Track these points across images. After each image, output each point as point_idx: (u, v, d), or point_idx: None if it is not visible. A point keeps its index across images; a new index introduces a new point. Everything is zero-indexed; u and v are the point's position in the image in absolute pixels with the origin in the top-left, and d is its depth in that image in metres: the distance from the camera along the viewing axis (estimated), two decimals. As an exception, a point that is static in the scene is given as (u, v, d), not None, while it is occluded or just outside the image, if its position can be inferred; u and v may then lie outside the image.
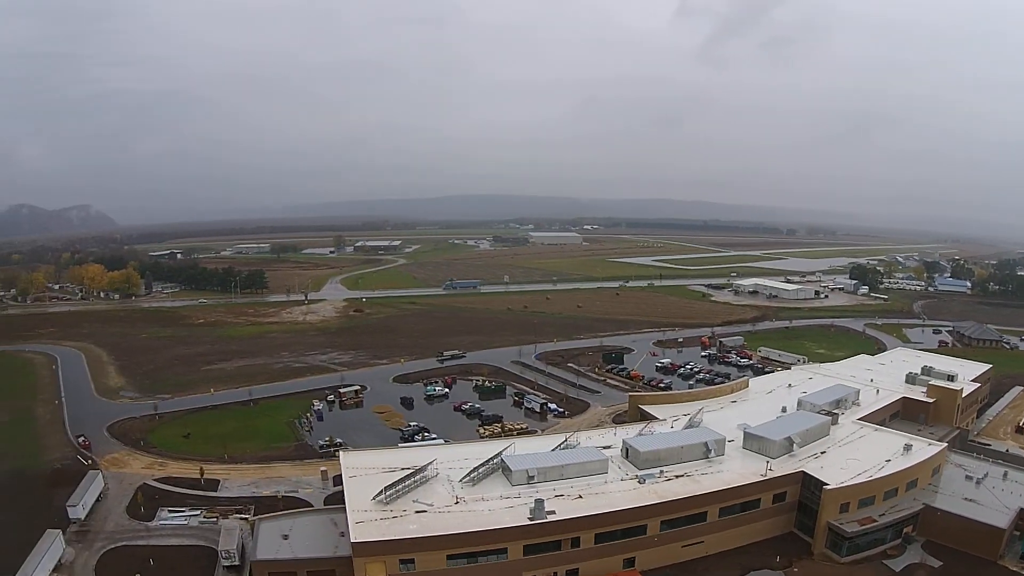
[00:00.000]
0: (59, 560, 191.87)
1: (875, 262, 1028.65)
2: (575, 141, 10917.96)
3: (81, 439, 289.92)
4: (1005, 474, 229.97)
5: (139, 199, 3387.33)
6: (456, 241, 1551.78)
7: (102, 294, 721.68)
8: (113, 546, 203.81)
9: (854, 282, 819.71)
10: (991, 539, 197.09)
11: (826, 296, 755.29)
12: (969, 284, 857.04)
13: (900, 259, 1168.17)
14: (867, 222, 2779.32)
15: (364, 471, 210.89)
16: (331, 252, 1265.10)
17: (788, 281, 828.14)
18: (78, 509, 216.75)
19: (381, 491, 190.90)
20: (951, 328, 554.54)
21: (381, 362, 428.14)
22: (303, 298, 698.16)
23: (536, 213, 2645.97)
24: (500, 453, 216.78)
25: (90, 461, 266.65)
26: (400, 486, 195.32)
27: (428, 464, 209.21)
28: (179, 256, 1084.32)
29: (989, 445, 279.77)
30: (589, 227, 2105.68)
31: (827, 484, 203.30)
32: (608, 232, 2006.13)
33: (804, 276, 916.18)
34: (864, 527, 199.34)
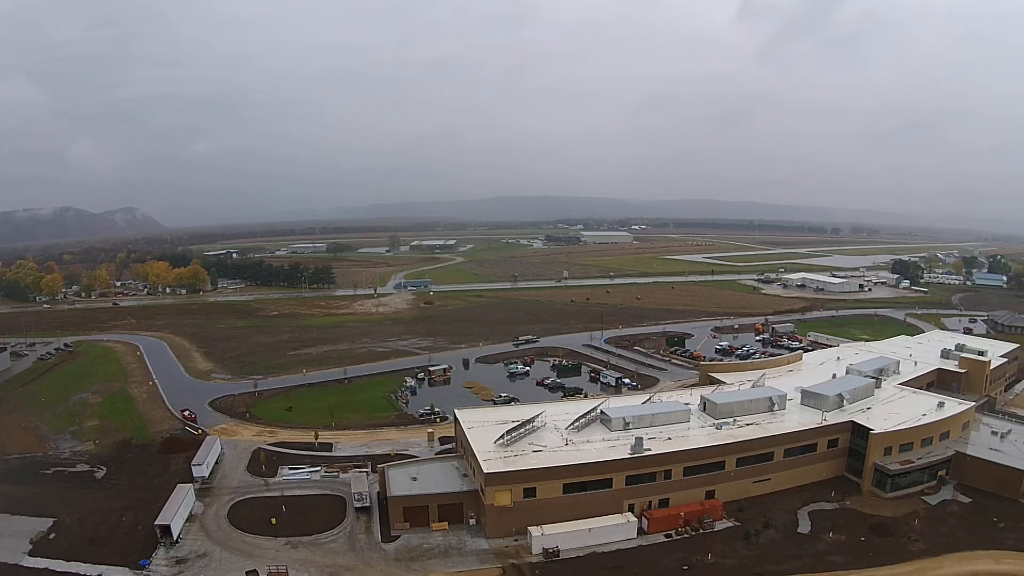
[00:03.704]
0: (190, 511, 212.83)
1: (917, 259, 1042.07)
2: (628, 141, 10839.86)
3: (186, 412, 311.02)
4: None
5: (184, 201, 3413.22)
6: (509, 240, 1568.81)
7: (168, 290, 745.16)
8: (241, 498, 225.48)
9: (896, 276, 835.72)
10: (1013, 480, 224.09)
11: (869, 289, 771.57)
12: (1005, 278, 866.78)
13: (941, 256, 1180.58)
14: (912, 221, 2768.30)
15: (480, 423, 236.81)
16: (387, 251, 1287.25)
17: (834, 276, 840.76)
18: (202, 468, 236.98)
19: (502, 436, 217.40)
20: (986, 317, 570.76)
21: (460, 347, 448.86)
22: (372, 292, 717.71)
23: (585, 214, 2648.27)
24: (598, 406, 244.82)
25: (199, 431, 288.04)
26: (517, 432, 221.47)
27: (537, 415, 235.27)
28: (235, 256, 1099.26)
29: (1016, 412, 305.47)
30: (637, 227, 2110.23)
31: (873, 430, 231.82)
32: (656, 232, 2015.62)
33: (848, 272, 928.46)
34: (904, 467, 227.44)
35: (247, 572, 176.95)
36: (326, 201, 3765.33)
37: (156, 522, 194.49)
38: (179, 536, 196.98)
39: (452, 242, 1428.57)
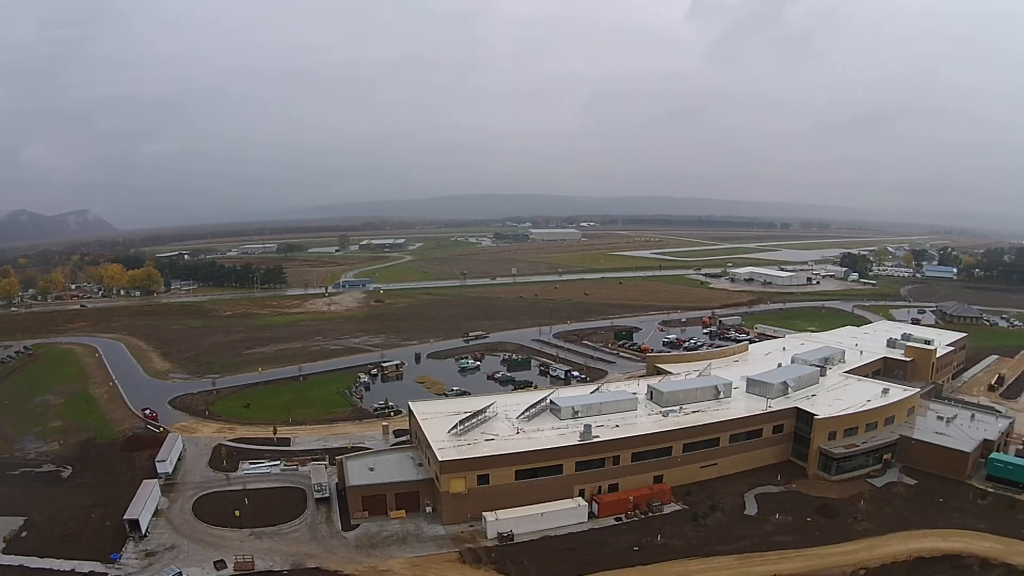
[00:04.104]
0: (156, 506, 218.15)
1: (867, 252, 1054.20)
2: (579, 139, 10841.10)
3: (147, 411, 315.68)
4: (972, 416, 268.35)
5: (136, 203, 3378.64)
6: (458, 239, 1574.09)
7: (122, 292, 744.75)
8: (204, 493, 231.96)
9: (844, 269, 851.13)
10: (958, 462, 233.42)
11: (817, 282, 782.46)
12: (955, 270, 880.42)
13: (891, 249, 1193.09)
14: (865, 216, 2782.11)
15: (434, 415, 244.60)
16: (336, 251, 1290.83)
17: (782, 269, 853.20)
18: (166, 464, 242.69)
19: (455, 425, 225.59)
20: (935, 308, 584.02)
21: (411, 343, 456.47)
22: (324, 291, 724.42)
23: (533, 211, 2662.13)
24: (548, 396, 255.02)
25: (161, 429, 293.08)
26: (469, 422, 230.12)
27: (489, 406, 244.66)
28: (186, 257, 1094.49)
29: (964, 399, 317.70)
30: (586, 224, 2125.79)
31: (817, 415, 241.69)
32: (605, 229, 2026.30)
33: (797, 265, 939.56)
34: (849, 451, 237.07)
35: (215, 562, 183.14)
36: (276, 201, 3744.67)
37: (125, 516, 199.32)
38: (147, 530, 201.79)
39: (401, 241, 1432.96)
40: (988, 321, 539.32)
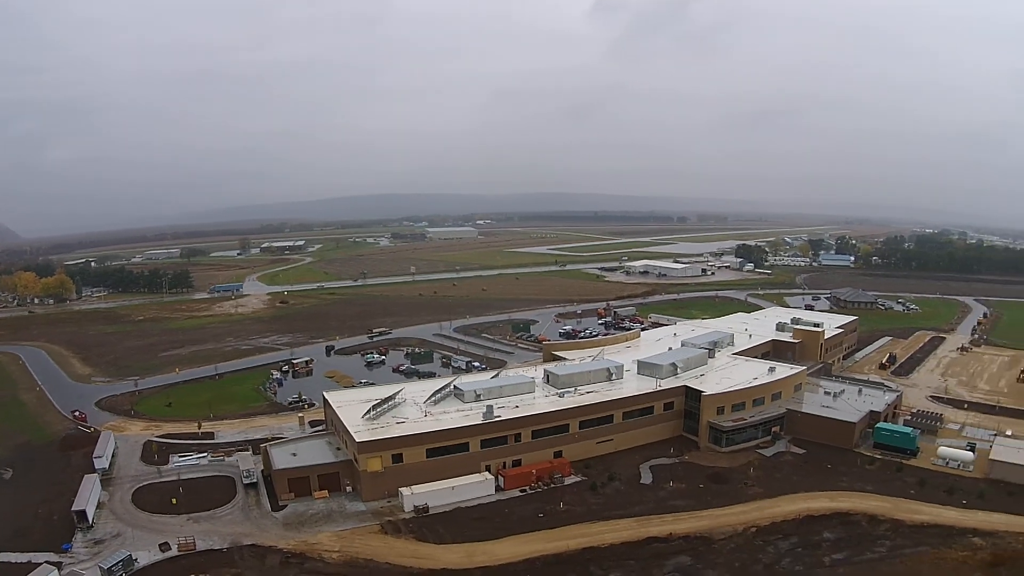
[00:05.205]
0: (99, 499, 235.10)
1: (763, 243, 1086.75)
2: (479, 136, 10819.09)
3: (76, 413, 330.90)
4: (860, 390, 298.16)
5: (40, 211, 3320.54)
6: (356, 239, 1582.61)
7: (36, 300, 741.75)
8: (140, 485, 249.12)
9: (740, 260, 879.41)
10: (845, 431, 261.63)
11: (712, 273, 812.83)
12: (852, 258, 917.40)
13: (788, 239, 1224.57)
14: (768, 208, 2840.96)
15: (348, 402, 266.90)
16: (238, 254, 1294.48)
17: (676, 262, 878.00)
18: (103, 460, 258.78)
19: (368, 411, 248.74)
20: (830, 295, 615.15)
21: (318, 341, 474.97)
22: (229, 294, 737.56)
23: (431, 210, 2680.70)
24: (451, 382, 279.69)
25: (91, 429, 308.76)
26: (381, 407, 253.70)
27: (397, 392, 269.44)
28: (93, 264, 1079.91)
29: (853, 376, 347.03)
30: (482, 222, 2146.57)
31: (704, 392, 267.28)
32: (501, 226, 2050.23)
33: (692, 257, 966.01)
34: (737, 424, 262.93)
35: (160, 545, 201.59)
36: (174, 205, 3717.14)
37: (73, 508, 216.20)
38: (93, 520, 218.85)
39: (301, 243, 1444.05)
40: (883, 305, 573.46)
